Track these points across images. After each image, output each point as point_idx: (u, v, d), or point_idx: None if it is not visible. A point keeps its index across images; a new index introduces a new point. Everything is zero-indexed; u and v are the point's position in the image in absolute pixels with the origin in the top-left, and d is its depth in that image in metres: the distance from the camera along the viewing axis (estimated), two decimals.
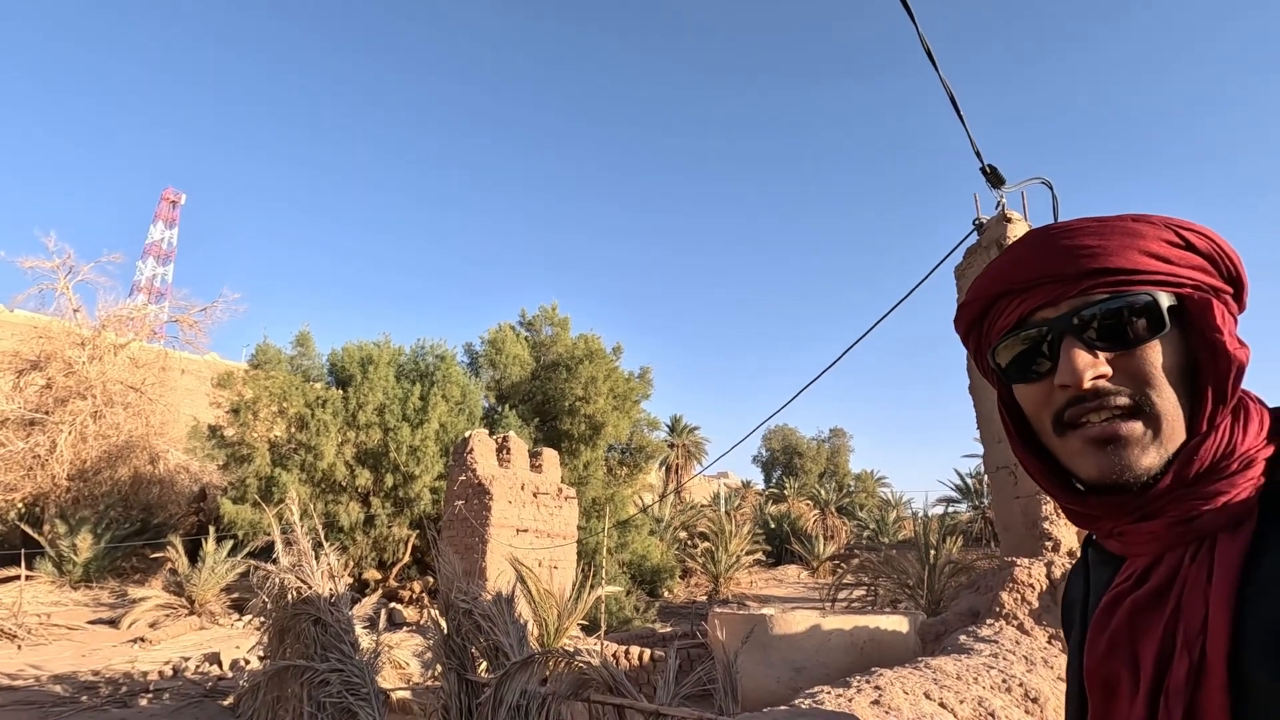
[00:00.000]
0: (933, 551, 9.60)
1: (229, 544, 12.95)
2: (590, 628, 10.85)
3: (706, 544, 20.83)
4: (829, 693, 2.38)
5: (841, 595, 12.14)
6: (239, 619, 12.27)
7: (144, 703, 7.18)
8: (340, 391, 15.31)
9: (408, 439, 14.49)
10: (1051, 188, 3.99)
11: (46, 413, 16.83)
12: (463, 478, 11.44)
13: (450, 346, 16.73)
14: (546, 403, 17.67)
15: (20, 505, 16.18)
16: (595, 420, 16.41)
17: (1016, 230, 5.10)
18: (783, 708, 2.35)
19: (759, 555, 22.09)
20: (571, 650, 3.59)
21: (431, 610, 12.34)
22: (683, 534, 24.58)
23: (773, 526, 27.21)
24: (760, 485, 44.19)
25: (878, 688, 2.44)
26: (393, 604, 13.82)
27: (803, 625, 5.50)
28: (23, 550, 13.36)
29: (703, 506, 31.33)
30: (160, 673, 8.42)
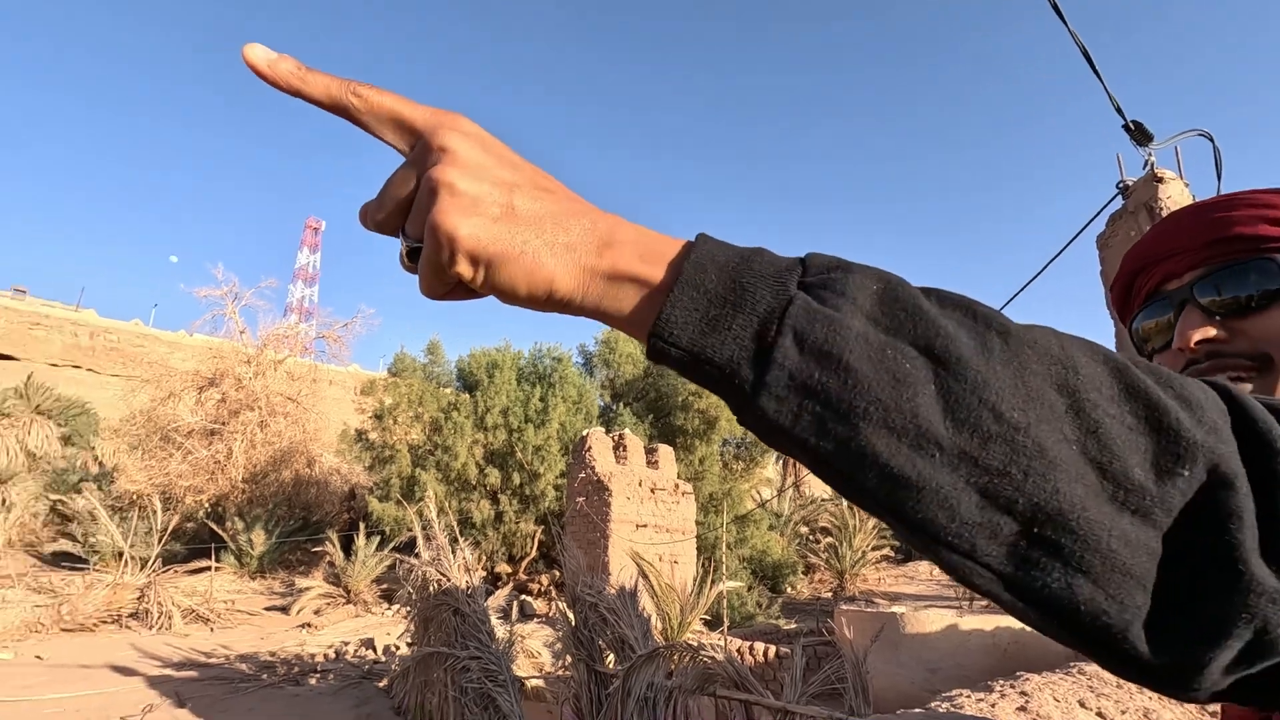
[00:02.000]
0: None
1: (376, 539, 14.10)
2: (713, 623, 10.86)
3: (829, 539, 20.23)
4: (968, 696, 2.25)
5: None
6: (389, 608, 13.33)
7: (313, 682, 7.99)
8: (469, 396, 16.27)
9: (531, 439, 15.14)
10: (1212, 140, 3.53)
11: (223, 424, 19.07)
12: (582, 475, 11.80)
13: (566, 349, 17.34)
14: (659, 399, 17.85)
15: (206, 505, 18.44)
16: (708, 415, 16.39)
17: (1170, 191, 4.57)
18: (918, 710, 2.25)
19: (886, 551, 21.15)
20: (696, 645, 3.63)
21: (559, 603, 12.84)
22: (803, 529, 24.01)
23: None
24: None
25: (1024, 693, 2.28)
26: (523, 596, 14.49)
27: (937, 625, 5.22)
28: (212, 545, 15.28)
29: (824, 500, 30.43)
30: (325, 655, 9.33)
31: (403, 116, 0.39)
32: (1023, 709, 2.15)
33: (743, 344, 0.33)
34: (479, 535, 15.00)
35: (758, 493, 23.93)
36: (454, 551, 6.29)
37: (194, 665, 8.67)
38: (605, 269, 0.36)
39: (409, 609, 11.20)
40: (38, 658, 8.82)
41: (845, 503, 28.36)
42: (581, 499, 11.62)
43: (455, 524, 6.83)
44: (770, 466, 28.92)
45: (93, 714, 6.47)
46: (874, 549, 19.73)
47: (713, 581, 8.36)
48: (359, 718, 6.63)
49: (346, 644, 9.81)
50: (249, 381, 19.50)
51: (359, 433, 16.84)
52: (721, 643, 7.49)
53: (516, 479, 15.41)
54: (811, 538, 22.64)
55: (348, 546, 14.25)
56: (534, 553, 15.77)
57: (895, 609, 6.18)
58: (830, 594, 18.53)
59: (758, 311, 0.33)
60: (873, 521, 21.13)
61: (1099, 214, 4.35)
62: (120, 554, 12.97)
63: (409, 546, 13.19)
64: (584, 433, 12.36)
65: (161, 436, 18.79)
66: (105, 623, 10.81)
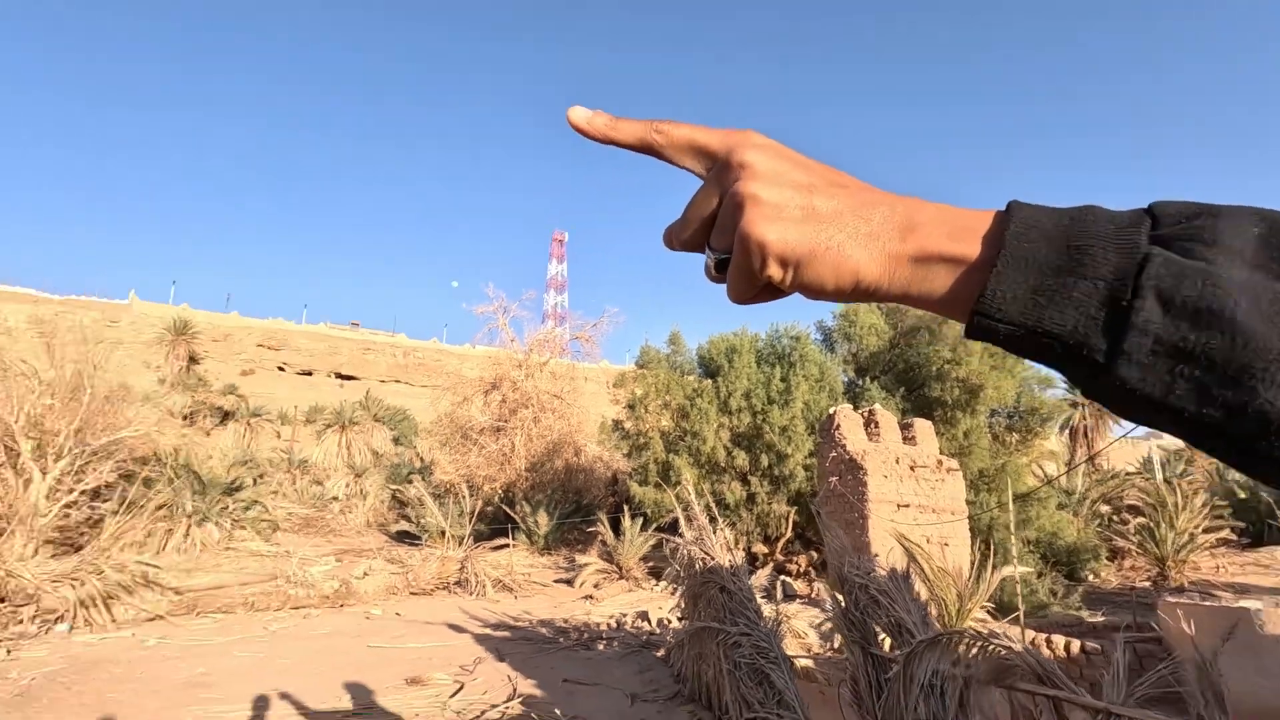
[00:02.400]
0: None
1: (640, 520, 15.18)
2: (995, 612, 9.85)
3: (1140, 519, 17.09)
4: None
5: None
6: (657, 584, 14.29)
7: (600, 647, 8.88)
8: (711, 381, 16.75)
9: (776, 420, 15.10)
10: None
11: (505, 421, 22.02)
12: (833, 454, 11.46)
13: (803, 327, 16.97)
14: (909, 371, 16.61)
15: (500, 491, 21.47)
16: (970, 383, 14.84)
17: None
18: None
19: (1225, 533, 17.27)
20: (985, 632, 3.32)
21: (820, 584, 12.64)
22: (1104, 508, 20.62)
23: (1243, 496, 21.00)
24: None
25: None
26: (782, 577, 14.53)
27: None
28: (507, 525, 17.76)
29: (1129, 474, 25.78)
30: (607, 624, 10.31)
31: (699, 143, 0.43)
32: None
33: (1088, 312, 0.31)
34: (734, 516, 15.37)
35: (1040, 467, 21.09)
36: (714, 531, 6.53)
37: (506, 626, 10.15)
38: (911, 252, 0.36)
39: (677, 585, 11.85)
40: (397, 614, 11.02)
41: (1160, 476, 23.73)
42: (834, 479, 11.29)
43: (712, 505, 7.08)
44: (1053, 438, 25.31)
45: (440, 661, 7.92)
46: (1206, 530, 16.25)
47: (993, 566, 7.59)
48: (643, 681, 7.21)
49: (624, 615, 10.74)
50: (522, 383, 22.25)
51: (615, 423, 18.29)
52: (1016, 633, 6.77)
53: (765, 460, 15.48)
54: (1116, 518, 19.37)
55: (616, 527, 15.55)
56: (789, 533, 15.72)
57: (1248, 604, 5.02)
58: (1149, 583, 15.68)
59: (1103, 275, 0.31)
60: (1200, 498, 17.40)
61: None
62: (443, 532, 15.68)
63: (670, 527, 14.01)
64: (830, 410, 11.98)
65: (461, 434, 22.28)
66: (439, 589, 13.14)
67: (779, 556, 15.53)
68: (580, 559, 16.38)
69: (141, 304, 56.26)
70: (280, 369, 60.13)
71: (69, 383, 16.14)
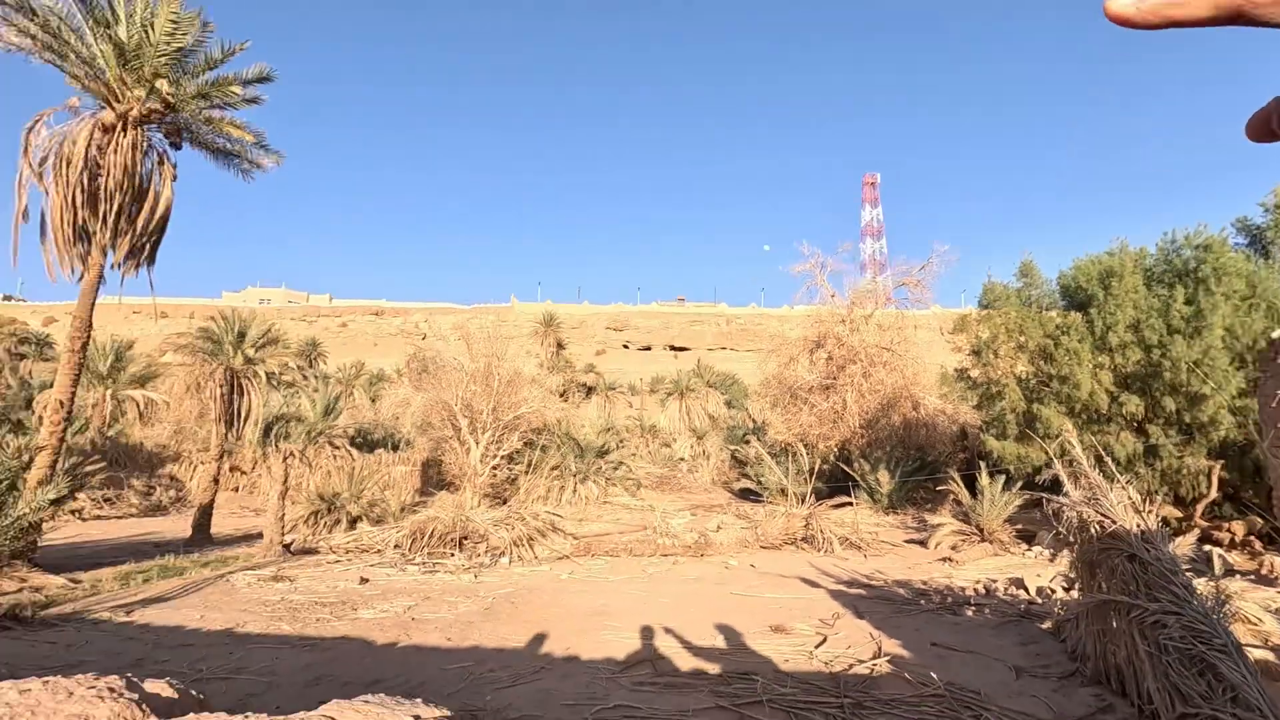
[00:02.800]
0: None
1: (1002, 478, 13.57)
2: None
3: None
4: None
5: None
6: (1028, 549, 12.66)
7: (969, 613, 8.20)
8: (1079, 315, 14.05)
9: (1182, 353, 12.05)
10: None
11: (834, 378, 21.61)
12: None
13: (1213, 231, 13.07)
14: None
15: (835, 449, 21.22)
16: None
17: None
18: None
19: None
20: None
21: (1271, 556, 9.80)
22: None
23: None
24: None
25: None
26: (1206, 546, 11.65)
27: None
28: (847, 484, 17.49)
29: None
30: (974, 590, 9.47)
31: None
32: None
33: None
34: (1126, 473, 12.76)
35: None
36: (1111, 489, 5.49)
37: (859, 584, 10.03)
38: None
39: (1061, 552, 10.35)
40: (752, 566, 11.70)
41: None
42: None
43: (1095, 461, 5.96)
44: None
45: (798, 612, 8.18)
46: None
47: None
48: (1027, 655, 6.46)
49: (994, 581, 9.75)
50: (847, 338, 21.56)
51: (958, 372, 16.54)
52: None
53: (1169, 404, 12.49)
54: None
55: (970, 485, 14.17)
56: (1213, 493, 12.50)
57: None
58: None
59: None
60: None
61: None
62: (783, 490, 16.12)
63: (1041, 485, 12.24)
64: (1274, 335, 9.08)
65: (790, 394, 22.54)
66: (786, 544, 13.57)
67: (1201, 522, 12.46)
68: (931, 519, 15.35)
69: (520, 305, 68.94)
70: (625, 346, 68.20)
71: (483, 372, 20.59)
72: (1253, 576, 9.33)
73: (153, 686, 2.37)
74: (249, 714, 2.26)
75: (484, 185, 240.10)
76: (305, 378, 35.91)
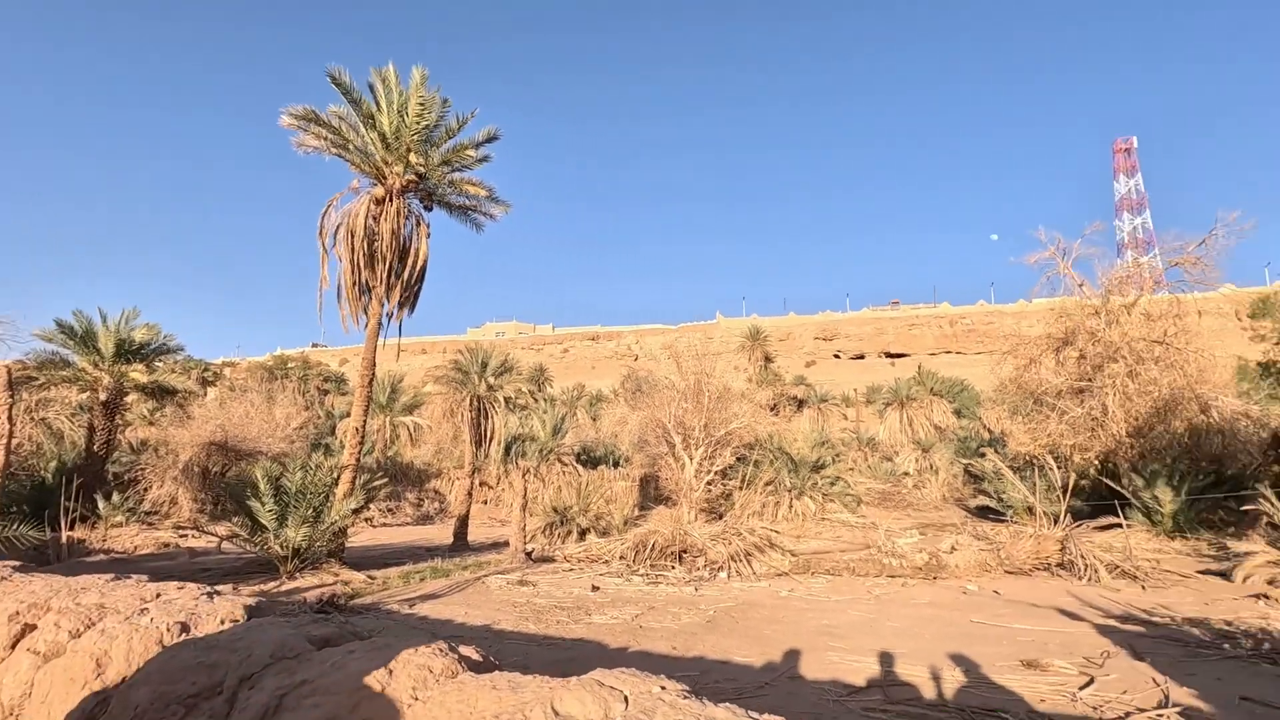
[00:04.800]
0: None
1: None
2: None
3: None
4: None
5: None
6: None
7: None
8: None
9: None
10: None
11: (1089, 380, 18.75)
12: None
13: None
14: None
15: (1095, 461, 18.33)
16: None
17: None
18: None
19: None
20: None
21: None
22: None
23: None
24: None
25: None
26: None
27: None
28: (1114, 502, 15.01)
29: None
30: None
31: None
32: None
33: None
34: None
35: None
36: None
37: (1136, 620, 8.56)
38: None
39: None
40: (995, 592, 10.54)
41: None
42: None
43: None
44: None
45: (1055, 647, 7.21)
46: None
47: None
48: None
49: None
50: (1103, 333, 18.63)
51: (1265, 365, 13.43)
52: None
53: None
54: None
55: None
56: None
57: None
58: None
59: None
60: None
61: None
62: (1030, 508, 14.29)
63: None
64: None
65: (1034, 400, 19.99)
66: (1038, 569, 12.01)
67: None
68: (1235, 546, 12.56)
69: (725, 320, 69.70)
70: (836, 356, 65.58)
71: (693, 389, 21.15)
72: None
73: (465, 650, 3.19)
74: (535, 674, 2.82)
75: (687, 203, 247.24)
76: (535, 400, 39.79)
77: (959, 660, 6.76)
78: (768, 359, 56.49)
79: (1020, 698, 5.68)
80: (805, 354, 65.58)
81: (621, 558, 12.91)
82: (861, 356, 64.81)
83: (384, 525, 23.35)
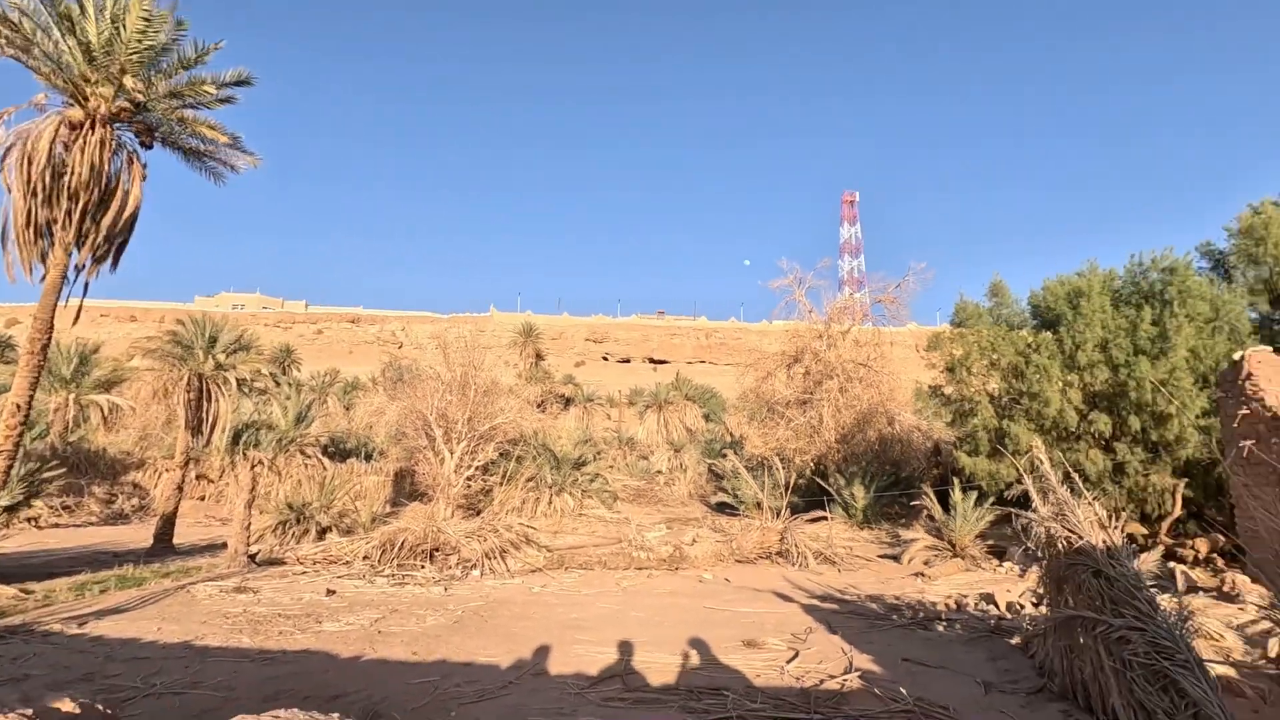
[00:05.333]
0: None
1: (974, 494, 13.70)
2: None
3: None
4: None
5: None
6: (1000, 564, 12.77)
7: (940, 629, 8.23)
8: (1050, 334, 14.30)
9: (1147, 373, 12.30)
10: None
11: (810, 393, 21.75)
12: (1244, 412, 8.89)
13: (1179, 254, 13.42)
14: None
15: (811, 463, 21.31)
16: None
17: None
18: None
19: None
20: None
21: (1233, 575, 9.98)
22: None
23: None
24: None
25: None
26: (1170, 563, 11.85)
27: None
28: (822, 499, 17.54)
29: None
30: (945, 605, 9.51)
31: None
32: None
33: None
34: (1094, 490, 12.97)
35: None
36: (1078, 506, 5.55)
37: (832, 599, 10.03)
38: None
39: (1030, 567, 10.46)
40: (726, 580, 11.65)
41: None
42: (1249, 442, 8.76)
43: (1064, 477, 6.03)
44: None
45: (771, 628, 8.14)
46: None
47: None
48: (996, 670, 6.48)
49: (965, 596, 9.80)
50: (824, 354, 21.73)
51: (932, 388, 16.74)
52: None
53: (1134, 423, 12.74)
54: None
55: (943, 500, 14.29)
56: (1177, 511, 12.74)
57: None
58: None
59: None
60: None
61: None
62: (759, 504, 16.11)
63: (1012, 501, 12.37)
64: (1235, 356, 9.32)
65: (768, 409, 22.64)
66: (761, 558, 13.54)
67: (1166, 539, 12.68)
68: (905, 534, 15.44)
69: (499, 315, 68.64)
70: (604, 358, 68.13)
71: (459, 382, 20.39)
72: (1214, 593, 9.49)
73: (56, 702, 2.31)
74: (239, 698, 2.24)
75: (464, 195, 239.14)
76: (278, 384, 35.33)
77: (693, 643, 7.31)
78: (539, 356, 56.76)
79: (741, 674, 6.30)
80: (576, 354, 67.16)
81: (365, 558, 11.93)
82: (628, 360, 68.18)
83: (56, 526, 18.90)
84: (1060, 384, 13.63)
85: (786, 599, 10.00)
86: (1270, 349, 9.26)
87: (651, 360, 68.19)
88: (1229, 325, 12.78)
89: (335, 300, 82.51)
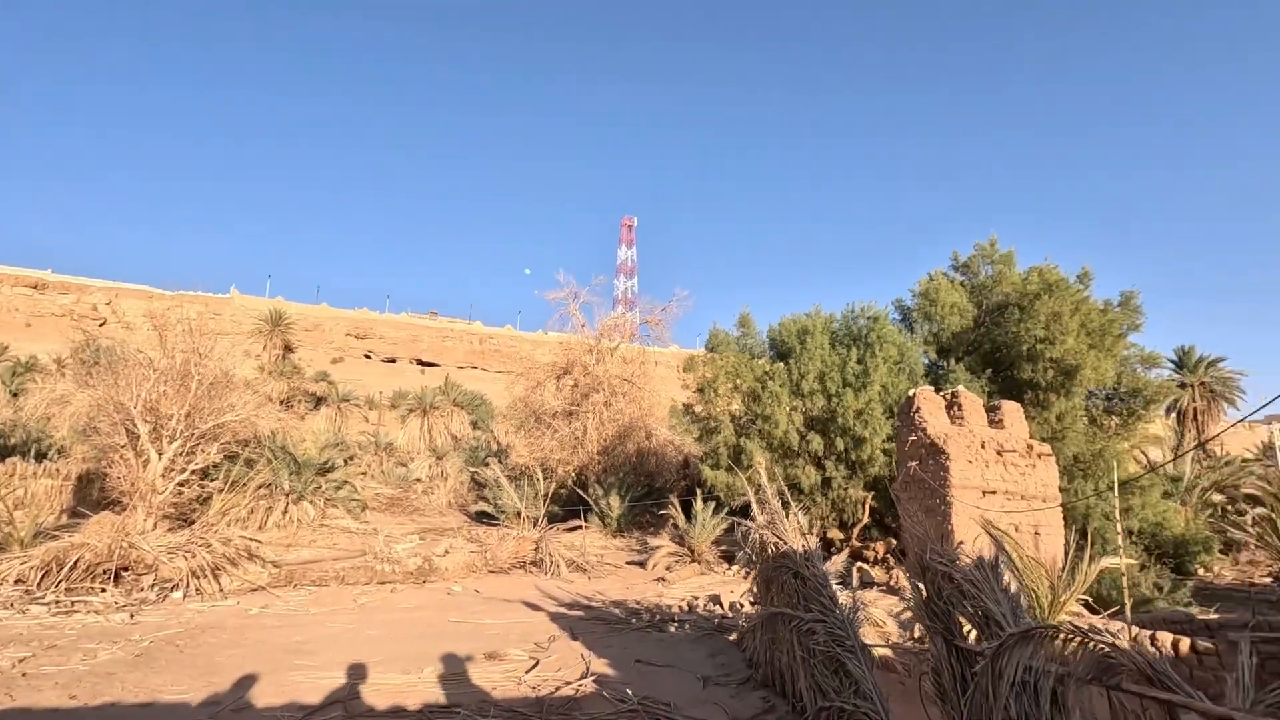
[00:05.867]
0: None
1: (712, 504, 15.08)
2: (1093, 606, 9.26)
3: (1260, 509, 15.68)
4: None
5: None
6: (729, 568, 14.19)
7: (672, 630, 8.89)
8: (783, 364, 16.38)
9: (851, 403, 14.64)
10: None
11: (578, 405, 22.31)
12: (913, 438, 10.99)
13: (881, 306, 16.30)
14: (996, 351, 15.73)
15: (573, 474, 21.81)
16: (1065, 364, 13.91)
17: None
18: None
19: None
20: (1084, 627, 3.07)
21: (898, 571, 12.21)
22: (1217, 497, 19.06)
23: None
24: None
25: None
26: (858, 564, 14.14)
27: None
28: (580, 508, 18.04)
29: (1246, 461, 23.68)
30: (679, 607, 10.31)
31: None
32: None
33: None
34: (808, 501, 15.05)
35: (1143, 453, 19.65)
36: (786, 515, 6.38)
37: (580, 606, 10.31)
38: None
39: (749, 570, 11.68)
40: (476, 591, 11.39)
41: None
42: (914, 463, 10.84)
43: (784, 490, 6.92)
44: (1158, 422, 23.54)
45: (516, 638, 8.12)
46: None
47: (1090, 557, 7.10)
48: (715, 665, 7.16)
49: (696, 598, 10.72)
50: (593, 368, 22.47)
51: (685, 407, 18.19)
52: (1118, 628, 6.33)
53: (840, 444, 15.06)
54: (1231, 509, 17.87)
55: (688, 510, 15.52)
56: (865, 519, 15.28)
57: None
58: (1270, 579, 14.39)
59: None
60: None
61: None
62: (519, 514, 16.07)
63: (743, 511, 13.85)
64: (910, 393, 11.49)
65: (535, 418, 22.75)
66: (516, 567, 13.49)
67: (855, 543, 15.12)
68: (652, 541, 16.47)
69: (242, 298, 60.17)
70: (367, 356, 63.14)
71: (179, 371, 17.43)
72: (885, 587, 11.53)
73: None
74: None
75: (204, 147, 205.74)
76: None
77: (432, 660, 7.00)
78: (288, 348, 50.85)
79: (479, 689, 6.17)
80: (334, 349, 61.38)
81: (19, 581, 9.58)
82: (394, 360, 63.97)
83: None
84: (788, 409, 15.63)
85: (535, 608, 10.06)
86: (933, 389, 11.57)
87: (420, 362, 64.79)
88: (909, 367, 15.74)
89: (11, 259, 65.68)
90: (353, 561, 12.88)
